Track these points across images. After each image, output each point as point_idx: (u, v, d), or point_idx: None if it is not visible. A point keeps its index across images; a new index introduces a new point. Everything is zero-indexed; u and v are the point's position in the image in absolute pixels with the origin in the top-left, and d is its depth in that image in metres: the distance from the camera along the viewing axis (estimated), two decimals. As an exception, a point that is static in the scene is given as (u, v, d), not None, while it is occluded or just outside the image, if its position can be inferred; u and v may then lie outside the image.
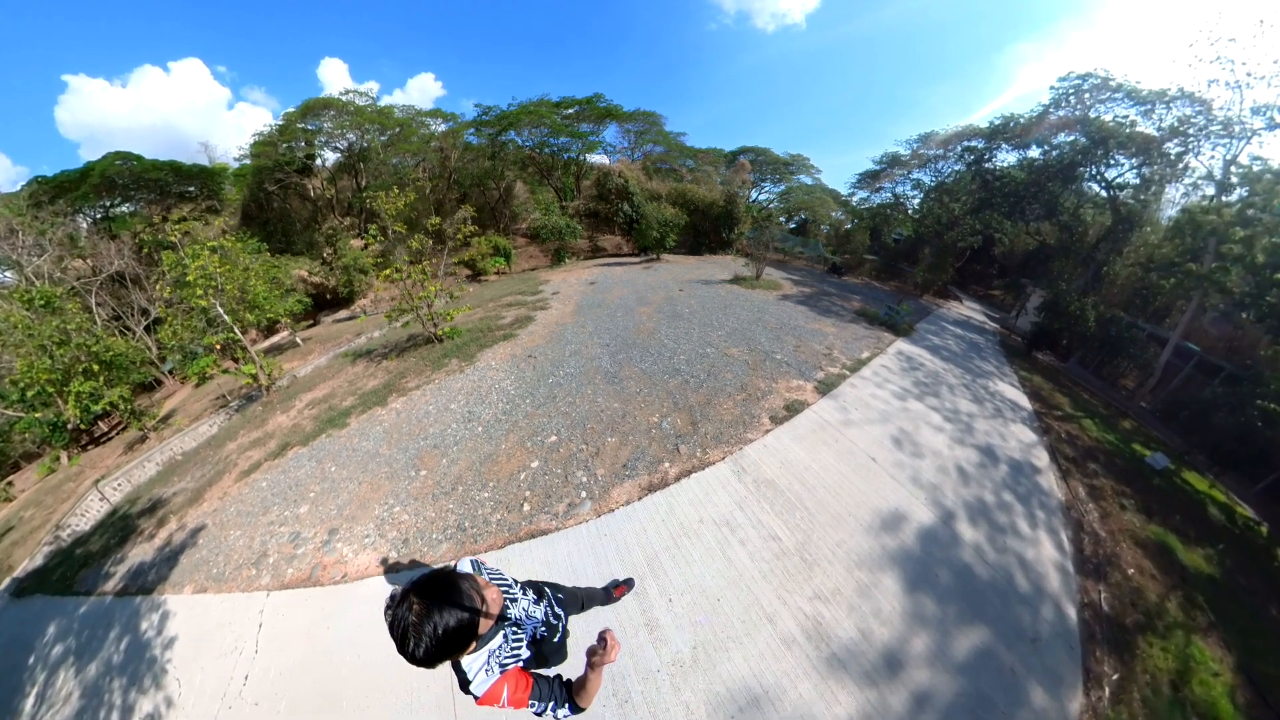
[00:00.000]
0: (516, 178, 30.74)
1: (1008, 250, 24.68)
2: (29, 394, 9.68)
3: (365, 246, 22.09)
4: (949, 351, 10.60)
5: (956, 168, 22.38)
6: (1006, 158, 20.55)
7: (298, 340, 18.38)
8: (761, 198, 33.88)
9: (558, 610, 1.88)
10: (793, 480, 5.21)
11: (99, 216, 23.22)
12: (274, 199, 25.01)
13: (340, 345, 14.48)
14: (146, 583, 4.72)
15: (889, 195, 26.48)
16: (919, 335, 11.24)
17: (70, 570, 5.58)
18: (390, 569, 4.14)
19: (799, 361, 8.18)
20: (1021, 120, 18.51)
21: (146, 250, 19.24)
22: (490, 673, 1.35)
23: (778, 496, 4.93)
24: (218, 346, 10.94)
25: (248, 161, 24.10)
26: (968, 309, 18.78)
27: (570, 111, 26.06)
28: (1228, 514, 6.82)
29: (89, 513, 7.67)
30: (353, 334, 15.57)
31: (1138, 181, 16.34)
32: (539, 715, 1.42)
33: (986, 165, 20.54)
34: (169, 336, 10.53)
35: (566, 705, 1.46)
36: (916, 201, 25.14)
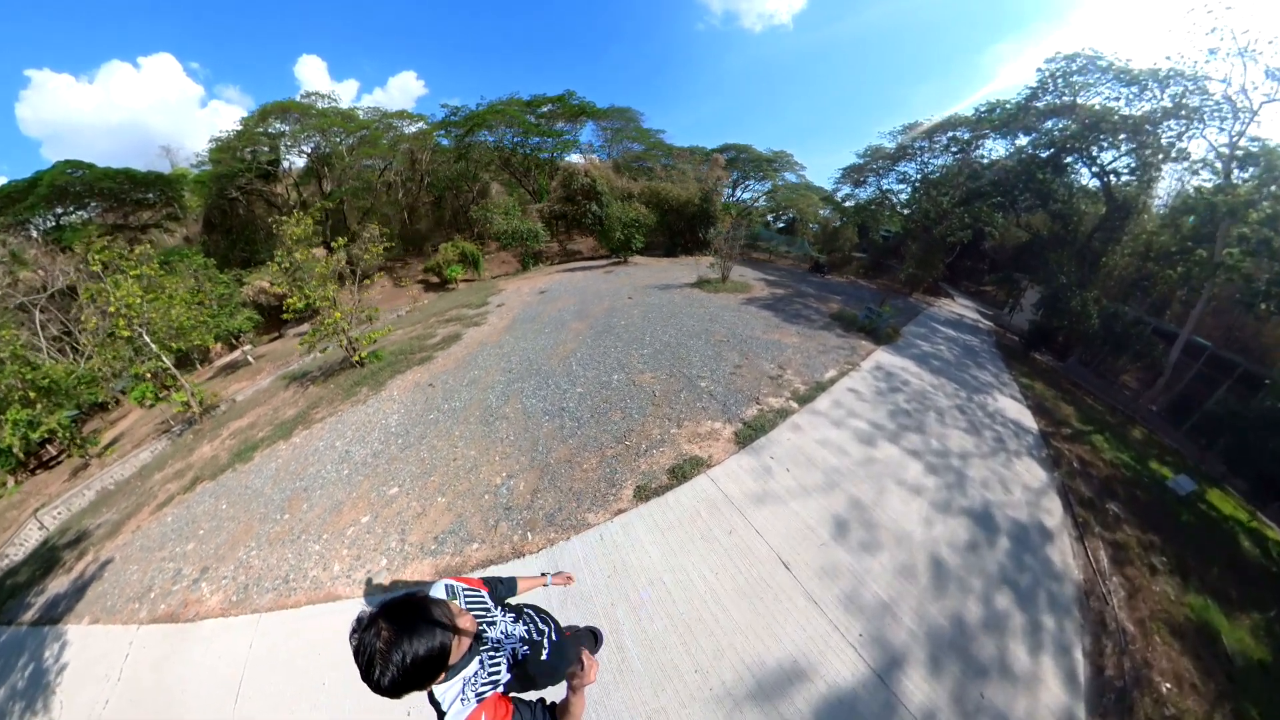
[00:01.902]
0: (492, 179, 29.31)
1: (998, 244, 23.21)
2: None
3: (327, 257, 20.86)
4: (939, 361, 9.03)
5: (942, 160, 20.84)
6: (995, 146, 19.02)
7: (249, 359, 17.04)
8: (745, 196, 32.42)
9: (541, 626, 1.74)
10: (620, 603, 3.37)
11: (50, 226, 21.70)
12: (238, 205, 23.60)
13: (289, 364, 13.51)
14: (56, 614, 4.84)
15: (875, 190, 24.84)
16: (904, 342, 9.73)
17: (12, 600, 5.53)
18: (226, 611, 4.14)
19: (730, 391, 6.38)
20: (1008, 106, 17.00)
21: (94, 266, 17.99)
22: (466, 702, 1.24)
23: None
24: (148, 375, 10.63)
25: (207, 167, 22.54)
26: (960, 306, 17.31)
27: (544, 110, 24.71)
28: (1261, 545, 5.50)
29: (27, 541, 7.72)
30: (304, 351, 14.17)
31: (1133, 164, 14.82)
32: None
33: (974, 154, 19.01)
34: (99, 365, 10.34)
35: None
36: (904, 196, 23.59)
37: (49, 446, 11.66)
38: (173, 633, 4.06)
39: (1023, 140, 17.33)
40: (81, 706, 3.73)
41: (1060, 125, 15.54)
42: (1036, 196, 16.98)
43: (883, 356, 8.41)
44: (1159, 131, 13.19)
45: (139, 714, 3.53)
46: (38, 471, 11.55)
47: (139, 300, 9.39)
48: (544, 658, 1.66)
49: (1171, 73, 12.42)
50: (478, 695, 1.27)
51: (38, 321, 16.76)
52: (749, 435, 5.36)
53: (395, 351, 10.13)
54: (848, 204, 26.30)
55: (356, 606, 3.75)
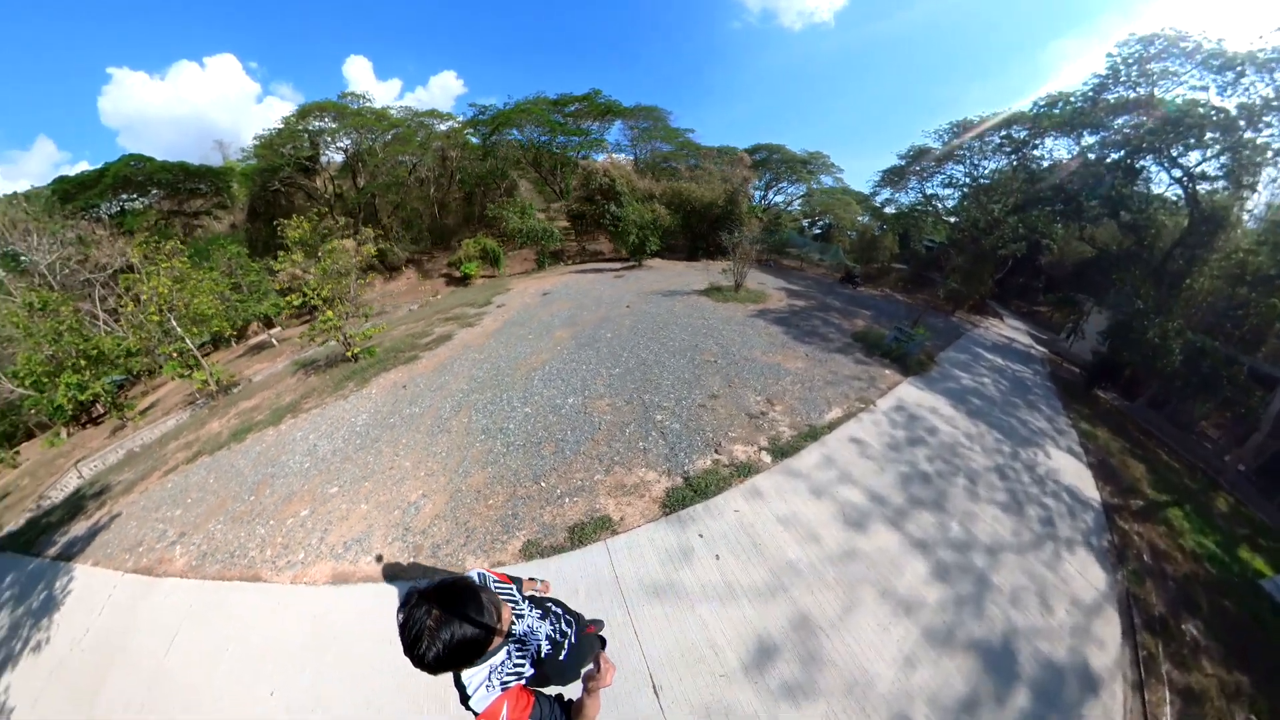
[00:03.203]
0: (521, 177, 28.88)
1: (1057, 259, 20.55)
2: (27, 382, 10.78)
3: (356, 248, 21.21)
4: (980, 398, 7.48)
5: (995, 163, 18.45)
6: (1055, 147, 16.49)
7: (274, 341, 17.41)
8: (778, 200, 30.54)
9: (564, 627, 1.75)
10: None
11: (115, 210, 22.98)
12: (279, 197, 24.25)
13: (304, 350, 13.51)
14: (70, 552, 5.40)
15: (918, 195, 22.46)
16: (939, 372, 8.26)
17: (34, 535, 6.25)
18: (185, 574, 4.48)
19: (689, 430, 5.29)
20: (1073, 100, 14.63)
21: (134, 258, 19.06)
22: (491, 689, 1.28)
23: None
24: (174, 355, 11.31)
25: (253, 161, 23.28)
26: (1010, 329, 15.23)
27: (571, 109, 24.12)
28: None
29: (66, 487, 8.43)
30: (304, 344, 14.14)
31: (1224, 167, 12.30)
32: None
33: (1034, 153, 16.58)
34: (134, 343, 11.44)
35: None
36: (951, 203, 21.18)
37: (96, 406, 13.11)
38: (144, 584, 4.52)
39: (1089, 139, 14.87)
40: (70, 631, 4.29)
41: (1134, 121, 13.12)
42: (1105, 204, 14.58)
43: (908, 392, 7.01)
44: (1259, 128, 10.81)
45: (103, 646, 3.99)
46: (86, 427, 13.45)
47: (168, 290, 10.39)
48: (562, 657, 1.66)
49: (1277, 55, 10.08)
50: (502, 684, 1.30)
51: (97, 296, 17.76)
52: (682, 498, 4.25)
53: (389, 348, 10.08)
54: (887, 210, 24.07)
55: (270, 589, 4.04)
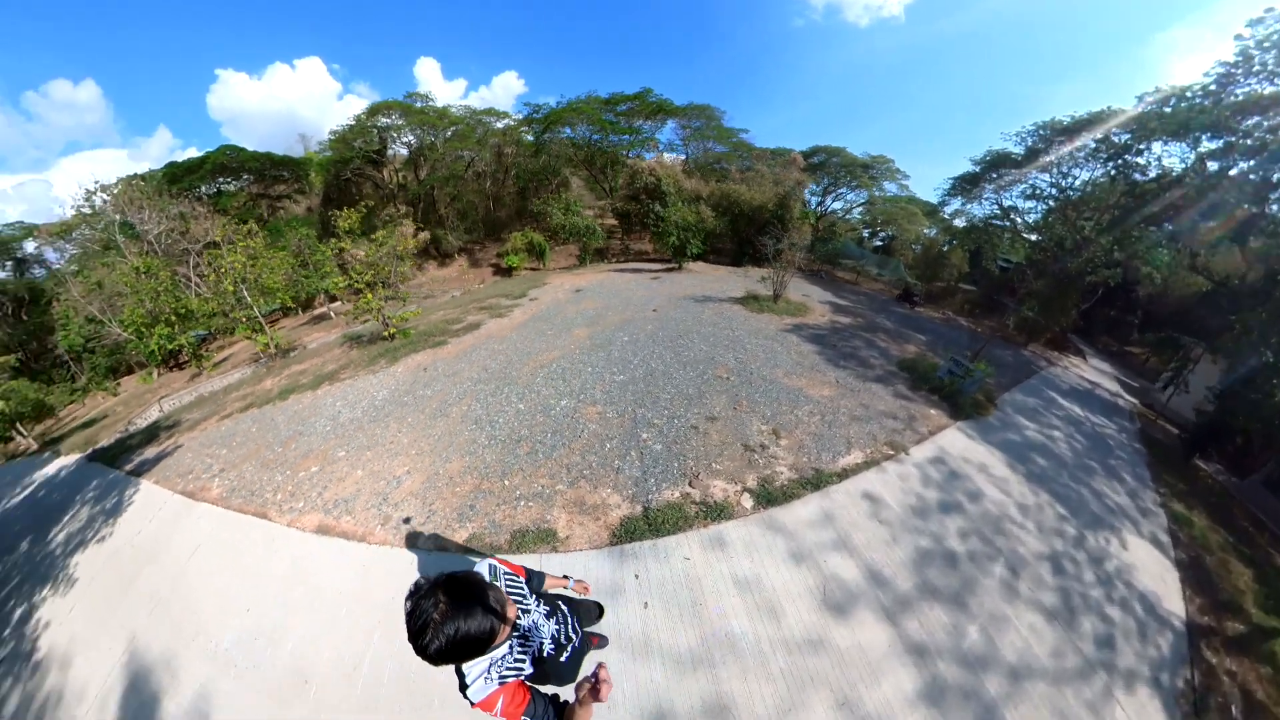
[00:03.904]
0: (573, 174, 29.04)
1: (1159, 291, 17.61)
2: (129, 330, 13.06)
3: (414, 235, 22.62)
4: (1046, 458, 6.21)
5: (1088, 173, 15.91)
6: (1165, 153, 13.61)
7: (331, 314, 18.73)
8: (836, 206, 28.63)
9: (570, 631, 1.73)
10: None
11: (213, 192, 25.44)
12: (350, 185, 25.95)
13: (354, 325, 14.39)
14: (140, 470, 6.42)
15: (994, 207, 20.01)
16: (998, 418, 7.06)
17: (118, 452, 7.37)
18: (215, 503, 5.20)
19: (669, 454, 4.90)
20: (1190, 97, 12.17)
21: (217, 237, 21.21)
22: (489, 681, 1.30)
23: None
24: (244, 320, 12.68)
25: (329, 153, 25.07)
26: (1093, 371, 13.18)
27: (622, 108, 24.00)
28: None
29: (149, 418, 9.77)
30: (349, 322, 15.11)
31: None
32: None
33: (1137, 161, 13.98)
34: (214, 307, 13.18)
35: None
36: (1033, 217, 18.68)
37: (181, 355, 15.38)
38: (185, 504, 5.33)
39: (1209, 145, 12.26)
40: (126, 531, 5.21)
41: (1273, 123, 10.60)
42: (1235, 225, 12.11)
43: (953, 440, 5.98)
44: None
45: (148, 546, 4.86)
46: (172, 370, 15.93)
47: (242, 265, 12.11)
48: (563, 659, 1.63)
49: None
50: (500, 678, 1.32)
51: (191, 263, 19.74)
52: (634, 530, 3.90)
53: (423, 331, 10.61)
54: (957, 222, 21.79)
55: (270, 527, 4.61)
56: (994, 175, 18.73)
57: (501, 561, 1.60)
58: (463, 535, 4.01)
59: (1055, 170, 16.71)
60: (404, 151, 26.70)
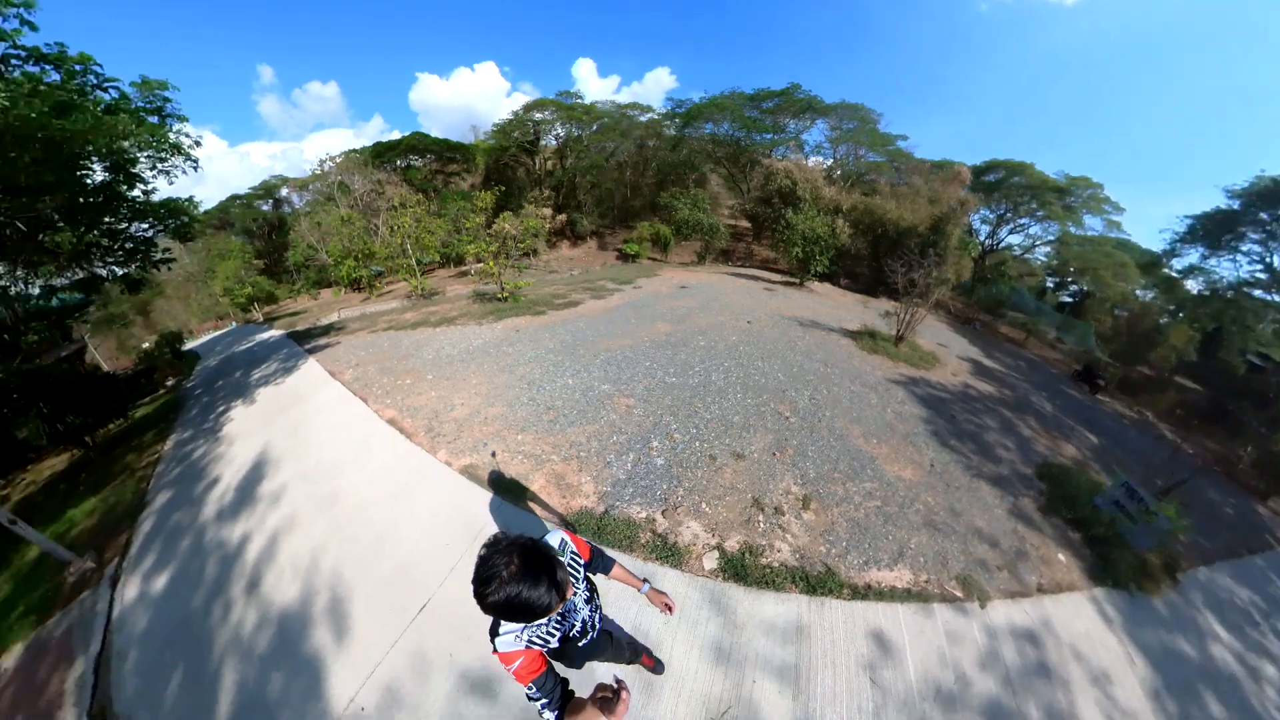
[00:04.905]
0: (712, 171, 29.34)
1: None
2: (331, 259, 18.58)
3: (553, 216, 25.43)
4: (1234, 706, 3.49)
5: None
6: None
7: (471, 272, 22.03)
8: (1012, 240, 24.36)
9: (598, 620, 1.81)
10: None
11: (405, 165, 31.10)
12: (506, 169, 29.83)
13: (481, 284, 17.44)
14: (312, 350, 9.40)
15: (1258, 268, 14.70)
16: (1174, 601, 4.37)
17: (304, 336, 11.06)
18: (346, 385, 7.17)
19: (666, 474, 4.54)
20: None
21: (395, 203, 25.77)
22: (518, 640, 1.37)
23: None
24: (404, 265, 16.59)
25: (491, 141, 29.11)
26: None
27: (768, 105, 23.23)
28: None
29: (329, 319, 13.72)
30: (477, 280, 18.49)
31: None
32: (530, 700, 1.40)
33: None
34: (386, 254, 17.86)
35: (555, 714, 1.40)
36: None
37: (360, 282, 19.93)
38: (326, 379, 7.51)
39: None
40: (290, 384, 7.86)
41: None
42: None
43: (1076, 611, 3.85)
44: None
45: (297, 395, 7.18)
46: (353, 292, 20.68)
47: (410, 226, 16.14)
48: (582, 644, 1.71)
49: None
50: (528, 642, 1.39)
51: (382, 218, 24.21)
52: (582, 524, 3.90)
53: (531, 299, 12.17)
54: (1190, 283, 16.85)
55: (364, 408, 6.16)
56: (1264, 217, 13.81)
57: (572, 538, 1.65)
58: (463, 462, 4.72)
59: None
60: (554, 142, 29.72)
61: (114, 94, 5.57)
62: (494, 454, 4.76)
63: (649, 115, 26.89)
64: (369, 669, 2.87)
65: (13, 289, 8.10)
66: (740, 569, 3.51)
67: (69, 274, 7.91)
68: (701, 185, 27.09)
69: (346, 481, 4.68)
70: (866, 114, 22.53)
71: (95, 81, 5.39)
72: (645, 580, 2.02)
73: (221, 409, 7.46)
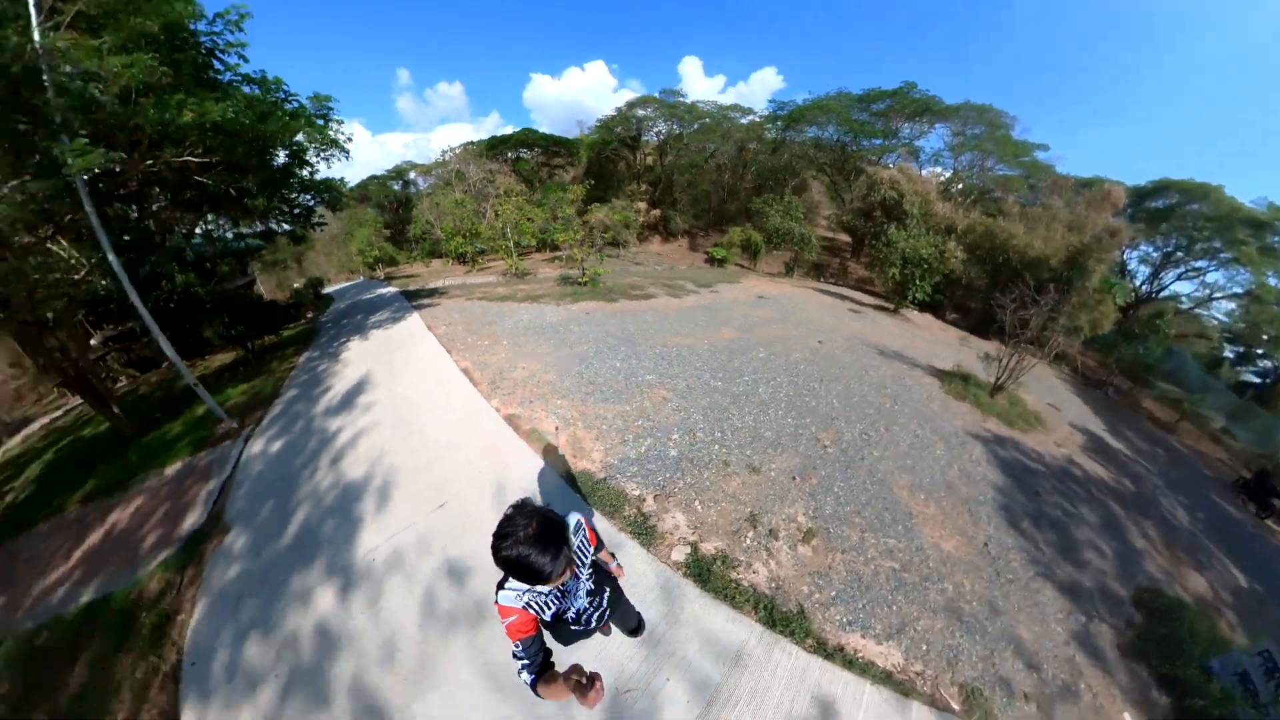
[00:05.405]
0: (814, 178, 28.29)
1: None
2: (443, 234, 21.97)
3: (646, 211, 26.70)
4: None
5: None
6: None
7: (561, 256, 23.74)
8: (1180, 288, 19.86)
9: (593, 613, 1.91)
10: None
11: (515, 157, 34.14)
12: (607, 163, 31.50)
13: (566, 269, 19.20)
14: (418, 307, 11.28)
15: None
16: None
17: (414, 295, 13.40)
18: (438, 339, 8.44)
19: (673, 469, 4.65)
20: None
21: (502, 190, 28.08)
22: (518, 598, 1.52)
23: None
24: (503, 246, 18.97)
25: (594, 136, 30.83)
26: None
27: (878, 107, 21.81)
28: None
29: (436, 284, 16.32)
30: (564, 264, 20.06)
31: None
32: (515, 658, 1.53)
33: None
34: (489, 234, 20.40)
35: (533, 677, 1.51)
36: None
37: (465, 257, 22.94)
38: (423, 330, 9.07)
39: None
40: (395, 330, 9.58)
41: None
42: None
43: None
44: None
45: (400, 340, 8.82)
46: (459, 264, 23.90)
47: (511, 213, 18.27)
48: (573, 629, 1.84)
49: None
50: (526, 604, 1.54)
51: (490, 204, 26.93)
52: (581, 483, 4.27)
53: (609, 287, 13.23)
54: None
55: (447, 358, 7.37)
56: None
57: (587, 526, 1.78)
58: (510, 411, 5.52)
59: None
60: (654, 139, 30.69)
61: (295, 104, 7.80)
62: (556, 428, 5.14)
63: (750, 117, 26.73)
64: (388, 536, 3.83)
65: (216, 234, 11.55)
66: (705, 572, 3.43)
67: (254, 227, 10.85)
68: (800, 193, 26.25)
69: (419, 408, 5.86)
70: (996, 117, 20.06)
71: (283, 96, 7.69)
72: (613, 554, 2.22)
73: (342, 340, 9.70)
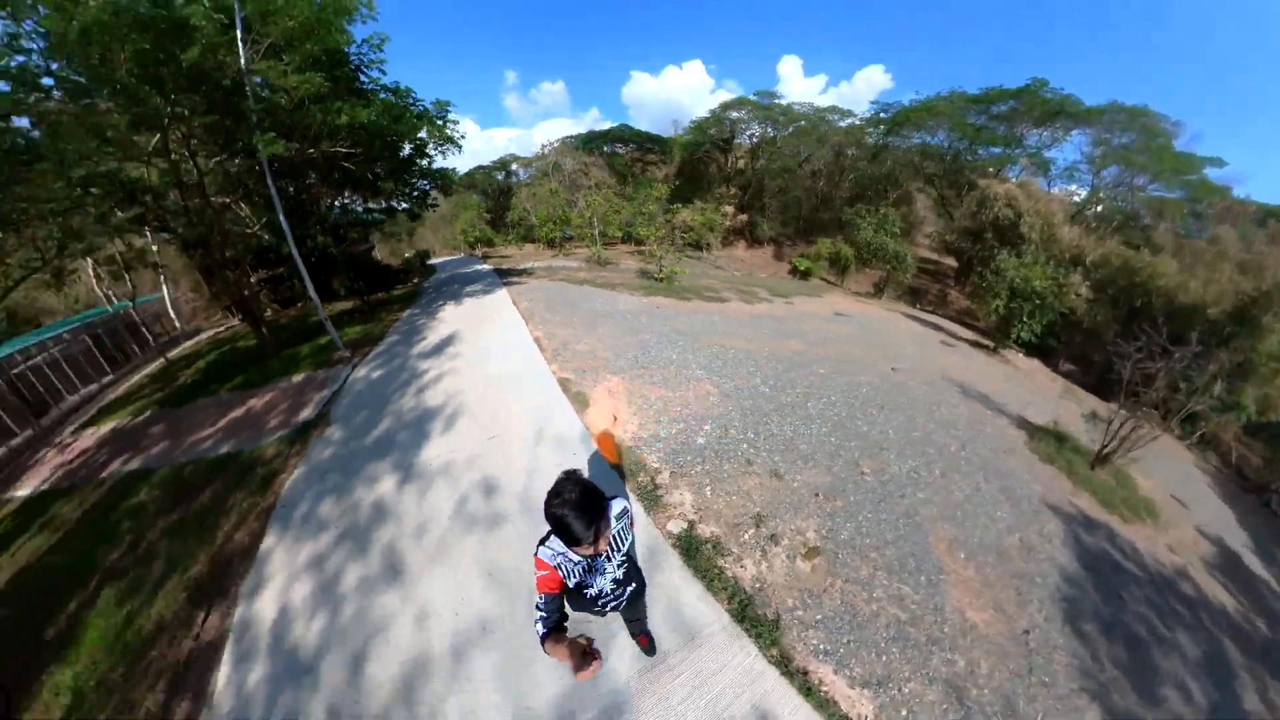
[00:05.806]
0: (920, 191, 26.13)
1: None
2: (538, 221, 24.10)
3: (734, 215, 26.94)
4: None
5: None
6: None
7: (642, 250, 24.45)
8: None
9: (612, 599, 2.03)
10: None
11: (610, 152, 35.62)
12: (699, 164, 31.82)
13: (647, 263, 19.78)
14: (508, 283, 12.73)
15: None
16: None
17: (506, 272, 15.49)
18: (525, 316, 9.23)
19: (694, 458, 4.74)
20: None
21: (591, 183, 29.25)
22: (553, 556, 1.69)
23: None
24: (590, 235, 20.36)
25: (688, 136, 31.16)
26: None
27: (999, 109, 19.14)
28: None
29: (526, 265, 18.16)
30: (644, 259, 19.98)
31: None
32: (536, 609, 1.71)
33: None
34: (578, 224, 21.93)
35: (545, 631, 1.69)
36: None
37: (555, 242, 24.26)
38: (509, 304, 10.23)
39: None
40: (487, 299, 11.32)
41: None
42: None
43: None
44: None
45: (487, 308, 10.35)
46: (549, 248, 25.20)
47: (598, 206, 20.02)
48: (588, 608, 2.01)
49: None
50: (557, 564, 1.71)
51: (581, 195, 28.31)
52: (617, 445, 4.80)
53: (683, 285, 13.94)
54: None
55: (525, 330, 8.21)
56: None
57: (630, 518, 1.92)
58: (565, 375, 6.21)
59: None
60: (748, 141, 30.27)
61: (420, 108, 10.04)
62: (614, 417, 5.27)
63: (850, 120, 25.28)
64: (446, 451, 4.89)
65: (350, 207, 14.36)
66: (693, 550, 3.44)
67: (380, 204, 13.63)
68: (901, 206, 23.95)
69: (492, 361, 7.08)
70: (1152, 122, 16.33)
71: (411, 101, 9.82)
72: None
73: (440, 303, 11.64)
